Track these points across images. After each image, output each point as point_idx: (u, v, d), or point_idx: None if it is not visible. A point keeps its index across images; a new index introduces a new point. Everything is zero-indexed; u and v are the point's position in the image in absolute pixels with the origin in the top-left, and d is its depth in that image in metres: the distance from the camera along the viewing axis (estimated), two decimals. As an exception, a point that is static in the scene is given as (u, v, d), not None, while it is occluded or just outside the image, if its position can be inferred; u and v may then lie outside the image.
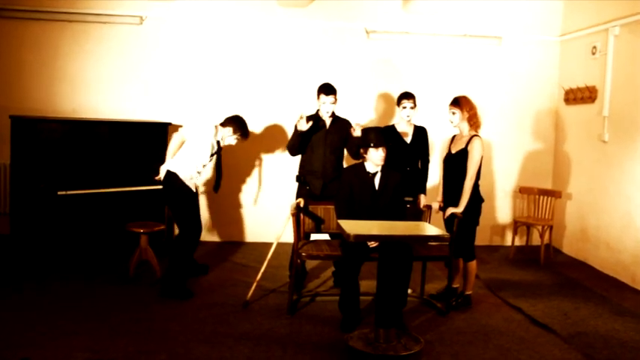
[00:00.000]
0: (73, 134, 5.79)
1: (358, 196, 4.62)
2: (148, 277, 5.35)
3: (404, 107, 5.20)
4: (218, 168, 5.39)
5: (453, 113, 4.82)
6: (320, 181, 5.16)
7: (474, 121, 4.81)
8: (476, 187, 4.78)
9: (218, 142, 5.19)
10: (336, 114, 5.27)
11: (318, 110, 5.18)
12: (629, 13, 5.82)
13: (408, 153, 5.23)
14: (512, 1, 7.10)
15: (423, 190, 5.26)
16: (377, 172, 4.62)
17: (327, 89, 5.12)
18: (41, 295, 4.83)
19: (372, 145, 4.51)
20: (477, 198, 4.80)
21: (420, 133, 5.30)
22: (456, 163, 4.84)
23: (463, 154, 4.76)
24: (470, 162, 4.71)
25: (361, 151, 4.65)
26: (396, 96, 5.51)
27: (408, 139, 5.25)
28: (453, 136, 5.05)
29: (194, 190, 5.10)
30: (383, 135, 4.60)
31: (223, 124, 5.21)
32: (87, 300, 4.73)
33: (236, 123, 5.23)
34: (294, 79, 6.84)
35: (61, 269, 5.51)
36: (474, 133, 4.80)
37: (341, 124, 5.23)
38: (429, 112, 6.72)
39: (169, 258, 4.98)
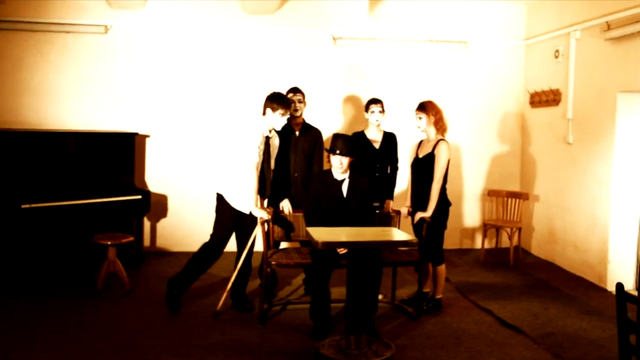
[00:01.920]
0: (37, 146, 5.69)
1: (326, 203, 4.62)
2: (116, 290, 5.27)
3: (372, 112, 5.22)
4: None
5: (420, 118, 4.86)
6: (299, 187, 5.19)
7: (440, 125, 4.85)
8: (443, 190, 4.82)
9: (267, 139, 4.82)
10: (307, 121, 5.32)
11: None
12: (590, 17, 5.93)
13: (377, 159, 5.25)
14: (477, 5, 7.18)
15: (390, 195, 5.29)
16: (345, 179, 4.63)
17: (293, 88, 5.27)
18: (5, 311, 4.72)
19: (337, 152, 4.52)
20: (444, 202, 4.83)
21: (389, 139, 5.33)
22: (423, 167, 4.87)
23: (430, 158, 4.80)
24: (437, 166, 4.75)
25: (328, 155, 4.66)
26: (364, 101, 5.54)
27: (377, 145, 5.28)
28: (420, 141, 5.09)
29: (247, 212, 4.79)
30: (351, 145, 4.60)
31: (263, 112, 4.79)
32: (53, 315, 4.64)
33: (269, 102, 4.74)
34: (262, 86, 6.73)
35: (26, 284, 5.40)
36: (440, 137, 4.84)
37: (310, 131, 5.27)
38: (397, 117, 6.77)
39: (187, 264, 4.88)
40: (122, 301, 5.02)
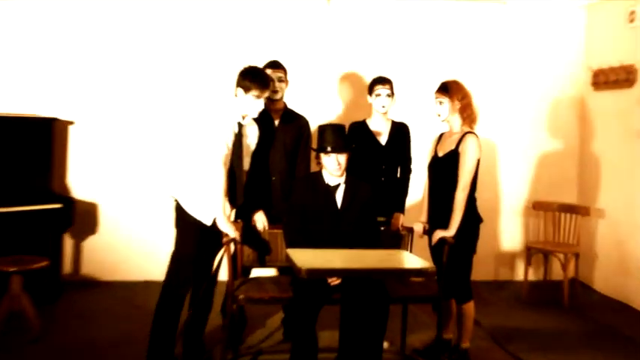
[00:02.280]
0: None
1: (314, 216, 4.57)
2: (20, 337, 5.12)
3: (377, 95, 5.19)
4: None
5: (440, 103, 4.82)
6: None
7: (467, 114, 4.81)
8: (471, 201, 4.79)
9: (240, 128, 4.74)
10: (289, 107, 5.29)
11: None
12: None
13: (382, 157, 5.23)
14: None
15: (401, 207, 5.27)
16: (339, 185, 4.60)
17: (272, 63, 5.21)
18: None
19: (328, 149, 4.48)
20: (472, 217, 4.80)
21: (400, 131, 5.31)
22: (444, 168, 4.84)
23: (453, 156, 4.76)
24: (462, 167, 4.71)
25: (316, 156, 4.62)
26: (367, 82, 5.49)
27: (384, 140, 5.25)
28: (441, 135, 5.06)
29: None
30: (344, 135, 4.57)
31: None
32: None
33: (240, 79, 4.65)
34: (231, 60, 6.63)
35: None
36: (467, 129, 4.81)
37: (294, 119, 5.26)
38: (411, 102, 6.71)
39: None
40: (28, 352, 4.90)
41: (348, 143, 4.55)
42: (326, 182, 4.60)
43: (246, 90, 4.56)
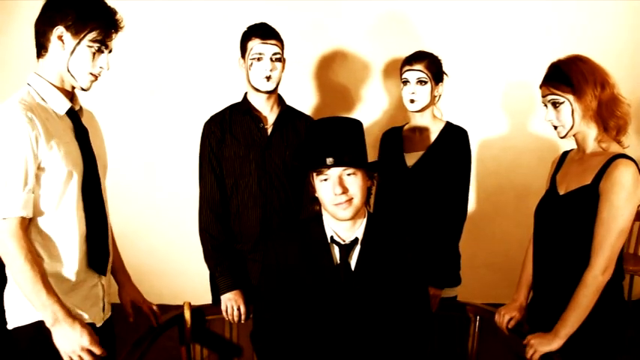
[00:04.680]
0: None
1: (307, 297, 2.69)
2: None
3: (405, 82, 3.46)
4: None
5: (556, 104, 2.79)
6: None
7: (611, 119, 2.75)
8: (614, 287, 2.75)
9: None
10: (286, 102, 3.57)
11: (246, 94, 3.50)
12: None
13: (408, 188, 3.48)
14: None
15: (440, 278, 3.41)
16: (355, 242, 2.68)
17: (262, 31, 3.39)
18: None
19: (326, 161, 2.57)
20: (613, 309, 2.79)
21: (452, 142, 3.48)
22: (570, 218, 2.82)
23: (586, 196, 2.74)
24: (606, 223, 2.66)
25: (309, 191, 2.76)
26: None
27: (412, 159, 3.52)
28: (564, 155, 3.07)
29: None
30: (359, 140, 2.67)
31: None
32: None
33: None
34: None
35: None
36: (616, 149, 2.75)
37: (296, 124, 3.53)
38: (475, 97, 5.10)
39: None
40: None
41: (364, 154, 2.67)
42: (328, 237, 2.70)
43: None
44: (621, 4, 5.37)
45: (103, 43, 2.60)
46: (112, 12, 2.64)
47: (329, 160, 2.51)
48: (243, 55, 3.37)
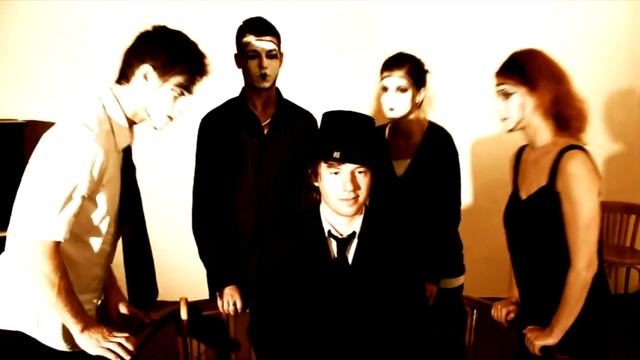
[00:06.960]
0: None
1: (304, 291, 2.68)
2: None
3: (384, 88, 3.33)
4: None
5: (507, 95, 2.77)
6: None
7: (566, 115, 2.72)
8: (599, 281, 2.71)
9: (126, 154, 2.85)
10: (284, 96, 3.51)
11: (243, 90, 3.44)
12: None
13: (398, 197, 3.41)
14: None
15: (435, 275, 3.37)
16: (352, 236, 2.69)
17: (257, 26, 3.32)
18: None
19: (334, 154, 2.54)
20: (603, 300, 2.76)
21: (434, 145, 3.42)
22: (536, 222, 2.79)
23: (546, 198, 2.71)
24: (573, 220, 2.63)
25: (310, 172, 2.72)
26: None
27: (401, 167, 3.44)
28: (518, 154, 3.03)
29: None
30: (374, 135, 2.66)
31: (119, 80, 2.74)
32: None
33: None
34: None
35: None
36: (568, 140, 2.71)
37: (294, 121, 3.47)
38: (457, 99, 5.23)
39: None
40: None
41: (379, 153, 2.69)
42: (325, 231, 2.69)
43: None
44: (610, 4, 5.69)
45: (187, 89, 2.53)
46: (201, 56, 2.59)
47: (337, 154, 2.50)
48: (238, 51, 3.34)
